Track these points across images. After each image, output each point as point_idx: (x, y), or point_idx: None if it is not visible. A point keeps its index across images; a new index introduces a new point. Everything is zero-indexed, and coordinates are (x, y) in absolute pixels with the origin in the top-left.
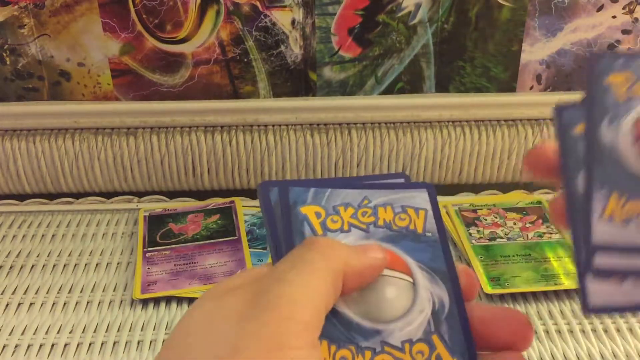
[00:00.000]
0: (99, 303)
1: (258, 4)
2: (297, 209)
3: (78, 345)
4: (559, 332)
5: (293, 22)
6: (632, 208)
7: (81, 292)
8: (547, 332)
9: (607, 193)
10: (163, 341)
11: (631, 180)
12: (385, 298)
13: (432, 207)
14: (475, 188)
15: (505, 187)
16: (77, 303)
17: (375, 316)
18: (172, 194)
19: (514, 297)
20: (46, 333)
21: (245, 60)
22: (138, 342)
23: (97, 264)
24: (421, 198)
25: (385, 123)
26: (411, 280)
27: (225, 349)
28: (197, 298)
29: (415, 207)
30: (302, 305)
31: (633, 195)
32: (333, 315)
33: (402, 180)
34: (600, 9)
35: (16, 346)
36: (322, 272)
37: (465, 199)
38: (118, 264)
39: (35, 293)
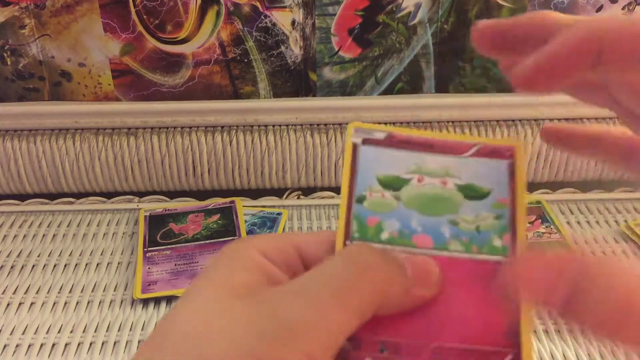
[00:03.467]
0: (100, 303)
1: (258, 4)
2: None
3: (79, 345)
4: (558, 332)
5: (293, 22)
6: None
7: (82, 291)
8: (546, 332)
9: None
10: None
11: None
12: None
13: None
14: None
15: None
16: (77, 303)
17: None
18: (172, 194)
19: None
20: (47, 333)
21: (246, 60)
22: (138, 342)
23: (97, 264)
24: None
25: (385, 123)
26: None
27: None
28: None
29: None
30: (310, 338)
31: None
32: None
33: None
34: (599, 9)
35: (17, 346)
36: (351, 299)
37: None
38: (118, 263)
39: (36, 293)
